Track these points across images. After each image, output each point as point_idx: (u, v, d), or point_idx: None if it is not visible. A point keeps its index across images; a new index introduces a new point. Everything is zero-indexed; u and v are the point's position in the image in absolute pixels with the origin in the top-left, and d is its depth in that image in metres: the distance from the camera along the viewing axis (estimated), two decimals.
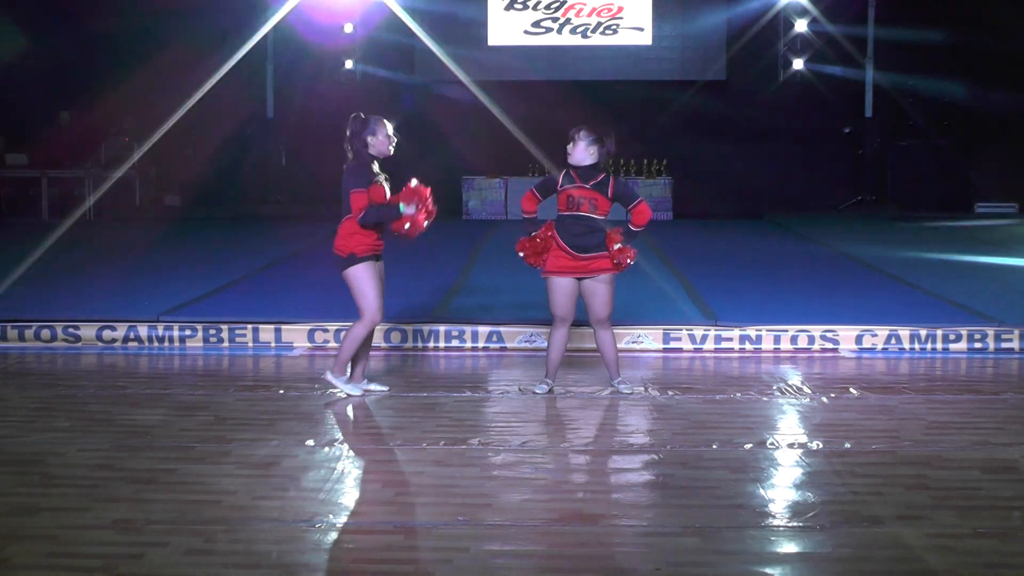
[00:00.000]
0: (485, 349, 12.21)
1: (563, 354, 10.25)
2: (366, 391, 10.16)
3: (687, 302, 13.41)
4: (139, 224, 24.27)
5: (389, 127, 9.85)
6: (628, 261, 9.92)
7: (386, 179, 9.86)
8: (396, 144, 9.89)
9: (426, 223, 9.70)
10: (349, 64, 28.14)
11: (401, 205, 9.62)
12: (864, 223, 24.77)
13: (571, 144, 9.98)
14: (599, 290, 9.95)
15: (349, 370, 10.15)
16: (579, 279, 9.95)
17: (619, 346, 11.82)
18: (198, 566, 6.10)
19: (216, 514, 6.90)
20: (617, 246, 9.84)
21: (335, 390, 10.07)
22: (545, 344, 12.00)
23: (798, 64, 27.91)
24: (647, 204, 10.11)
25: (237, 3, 27.30)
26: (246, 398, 10.05)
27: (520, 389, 10.38)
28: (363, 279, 9.80)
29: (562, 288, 9.97)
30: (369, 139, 9.79)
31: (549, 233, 9.99)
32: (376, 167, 9.83)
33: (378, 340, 12.01)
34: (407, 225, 9.63)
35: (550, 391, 10.19)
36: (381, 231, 9.87)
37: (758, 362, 11.74)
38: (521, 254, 10.12)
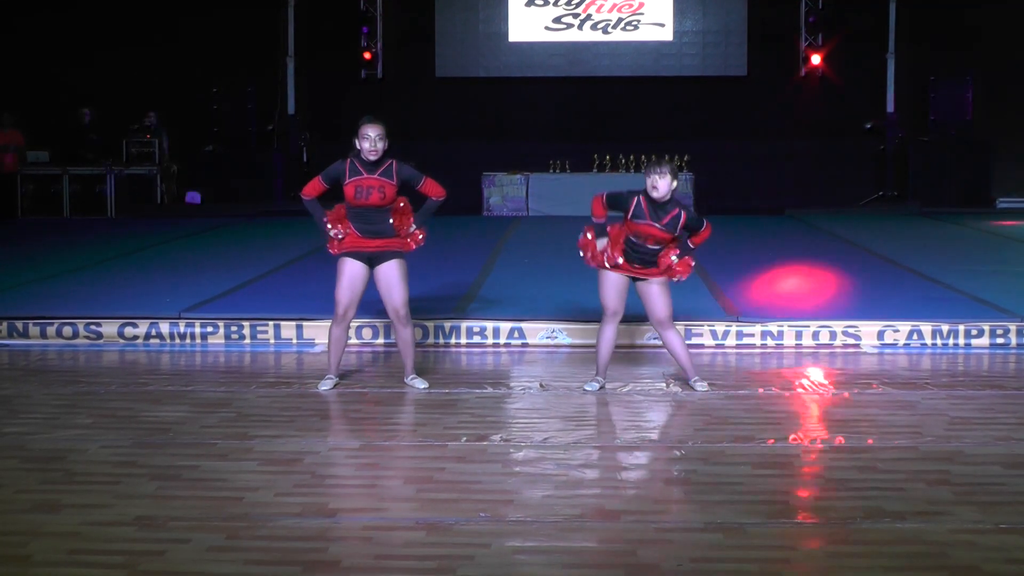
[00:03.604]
0: (507, 345, 12.20)
1: (613, 350, 10.24)
2: (408, 385, 10.38)
3: (708, 298, 13.39)
4: (161, 221, 24.28)
5: (368, 131, 9.89)
6: (680, 278, 9.95)
7: (387, 174, 9.99)
8: (379, 145, 9.94)
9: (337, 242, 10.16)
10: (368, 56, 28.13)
11: (328, 225, 10.14)
12: (886, 218, 24.70)
13: (656, 178, 9.67)
14: (654, 290, 9.92)
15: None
16: (633, 279, 9.96)
17: (640, 342, 11.86)
18: (220, 563, 6.12)
19: (238, 510, 6.92)
20: (673, 258, 9.84)
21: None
22: (568, 340, 12.05)
23: (819, 59, 27.81)
24: (710, 227, 10.04)
25: None
26: (268, 394, 10.07)
27: (542, 385, 10.38)
28: (337, 272, 10.20)
29: (613, 282, 9.95)
30: (356, 143, 9.92)
31: (612, 249, 9.95)
32: (364, 167, 9.96)
33: None
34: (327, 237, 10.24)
35: (601, 388, 10.18)
36: (364, 233, 10.05)
37: (780, 358, 11.73)
38: (582, 253, 10.11)
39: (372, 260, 10.10)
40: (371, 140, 9.87)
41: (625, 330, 11.63)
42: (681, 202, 9.95)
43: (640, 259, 9.87)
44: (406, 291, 10.19)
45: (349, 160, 9.99)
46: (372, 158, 9.90)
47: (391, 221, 10.10)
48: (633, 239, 9.84)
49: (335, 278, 10.18)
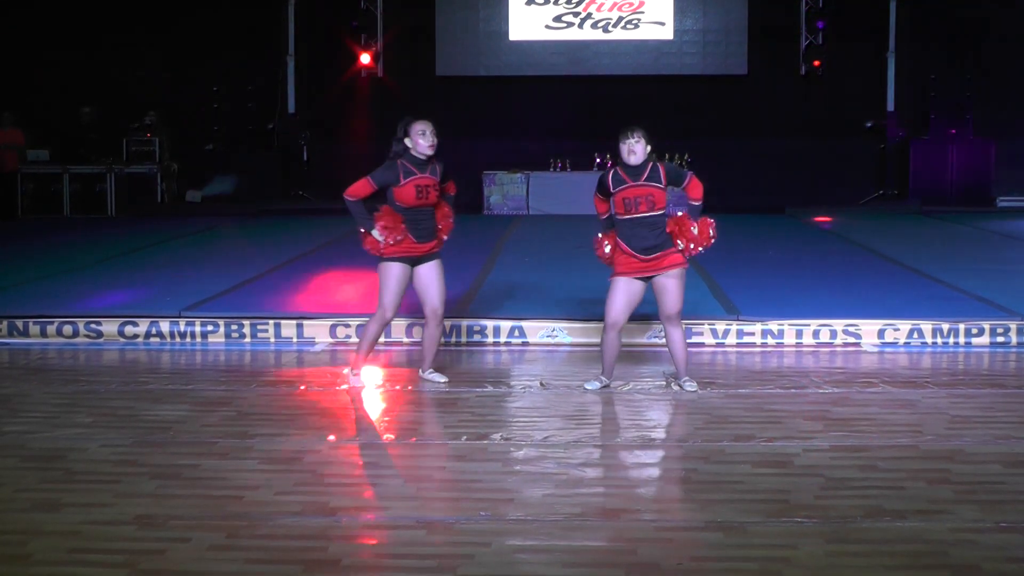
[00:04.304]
0: (507, 344, 12.20)
1: (618, 353, 10.20)
2: (427, 380, 10.42)
3: (708, 296, 13.38)
4: (161, 220, 24.29)
5: (423, 127, 9.94)
6: (703, 248, 9.94)
7: (434, 172, 10.07)
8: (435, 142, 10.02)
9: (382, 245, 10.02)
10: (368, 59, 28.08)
11: (375, 231, 9.95)
12: (886, 217, 24.72)
13: (632, 142, 9.73)
14: (670, 285, 9.85)
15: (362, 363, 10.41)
16: (648, 278, 9.91)
17: (640, 340, 11.85)
18: (220, 561, 6.12)
19: (238, 509, 6.92)
20: (684, 241, 9.81)
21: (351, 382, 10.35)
22: (568, 339, 12.03)
23: (819, 59, 27.80)
24: (696, 177, 10.05)
25: None
26: (268, 393, 10.06)
27: (542, 384, 10.38)
28: (384, 276, 10.06)
29: (625, 290, 9.86)
30: (407, 142, 9.92)
31: (612, 242, 9.97)
32: (416, 166, 9.97)
33: (399, 335, 12.04)
34: (367, 242, 10.08)
35: (604, 388, 10.15)
36: (419, 238, 10.03)
37: (780, 356, 11.73)
38: (597, 252, 10.17)
39: (415, 261, 10.12)
40: (428, 135, 9.95)
41: (625, 328, 11.62)
42: (656, 161, 9.98)
43: (646, 243, 9.76)
44: (445, 290, 10.30)
45: (400, 161, 9.99)
46: (431, 152, 9.97)
47: (439, 225, 10.21)
48: (627, 219, 9.82)
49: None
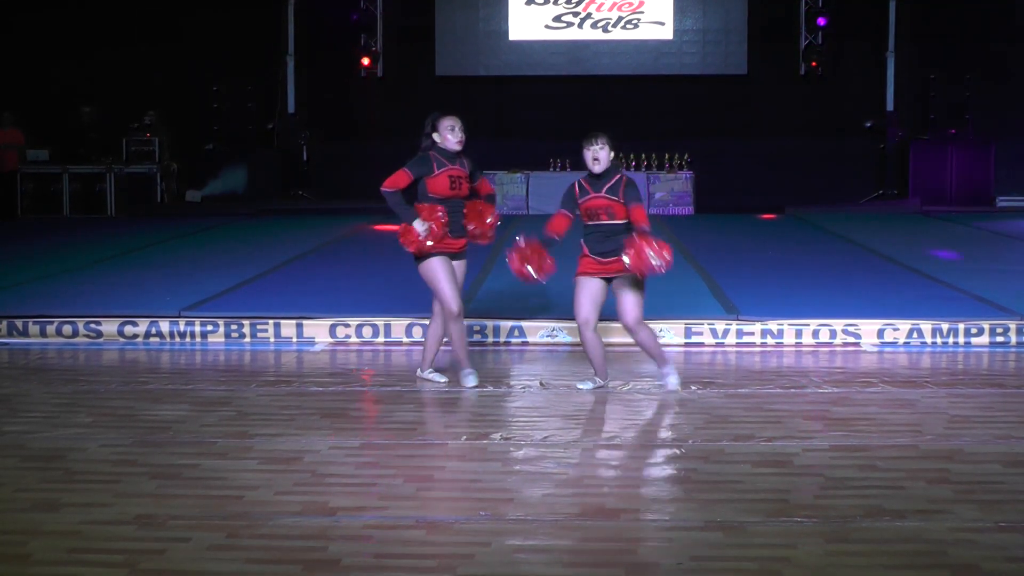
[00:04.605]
0: (507, 344, 12.20)
1: (603, 351, 10.17)
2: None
3: (708, 296, 13.38)
4: (161, 220, 24.28)
5: (451, 122, 10.01)
6: (653, 267, 9.61)
7: (463, 165, 10.13)
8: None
9: (428, 242, 9.91)
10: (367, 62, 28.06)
11: (417, 222, 9.86)
12: (886, 217, 24.70)
13: (596, 149, 9.74)
14: (623, 292, 9.85)
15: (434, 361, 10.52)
16: (608, 279, 9.91)
17: None
18: (220, 561, 6.12)
19: (238, 509, 6.92)
20: (630, 255, 9.65)
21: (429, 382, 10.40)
22: (568, 339, 12.04)
23: (819, 58, 27.79)
24: (643, 208, 9.86)
25: None
26: (268, 393, 10.06)
27: (542, 384, 10.38)
28: (432, 273, 10.05)
29: (587, 288, 9.86)
30: (435, 136, 9.98)
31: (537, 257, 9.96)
32: (447, 159, 10.02)
33: (399, 335, 12.05)
34: (408, 236, 9.94)
35: (599, 388, 10.15)
36: (452, 232, 10.04)
37: (780, 356, 11.73)
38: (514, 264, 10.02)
39: (450, 257, 10.14)
40: (456, 131, 10.03)
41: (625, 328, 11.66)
42: (623, 171, 9.97)
43: (604, 247, 9.75)
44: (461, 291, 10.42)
45: (431, 153, 10.03)
46: (459, 148, 10.05)
47: (469, 225, 10.27)
48: (589, 224, 9.86)
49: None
